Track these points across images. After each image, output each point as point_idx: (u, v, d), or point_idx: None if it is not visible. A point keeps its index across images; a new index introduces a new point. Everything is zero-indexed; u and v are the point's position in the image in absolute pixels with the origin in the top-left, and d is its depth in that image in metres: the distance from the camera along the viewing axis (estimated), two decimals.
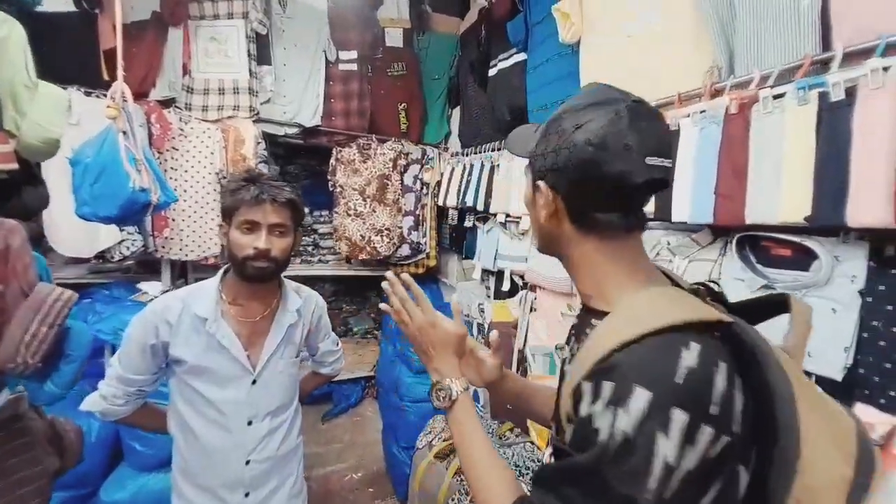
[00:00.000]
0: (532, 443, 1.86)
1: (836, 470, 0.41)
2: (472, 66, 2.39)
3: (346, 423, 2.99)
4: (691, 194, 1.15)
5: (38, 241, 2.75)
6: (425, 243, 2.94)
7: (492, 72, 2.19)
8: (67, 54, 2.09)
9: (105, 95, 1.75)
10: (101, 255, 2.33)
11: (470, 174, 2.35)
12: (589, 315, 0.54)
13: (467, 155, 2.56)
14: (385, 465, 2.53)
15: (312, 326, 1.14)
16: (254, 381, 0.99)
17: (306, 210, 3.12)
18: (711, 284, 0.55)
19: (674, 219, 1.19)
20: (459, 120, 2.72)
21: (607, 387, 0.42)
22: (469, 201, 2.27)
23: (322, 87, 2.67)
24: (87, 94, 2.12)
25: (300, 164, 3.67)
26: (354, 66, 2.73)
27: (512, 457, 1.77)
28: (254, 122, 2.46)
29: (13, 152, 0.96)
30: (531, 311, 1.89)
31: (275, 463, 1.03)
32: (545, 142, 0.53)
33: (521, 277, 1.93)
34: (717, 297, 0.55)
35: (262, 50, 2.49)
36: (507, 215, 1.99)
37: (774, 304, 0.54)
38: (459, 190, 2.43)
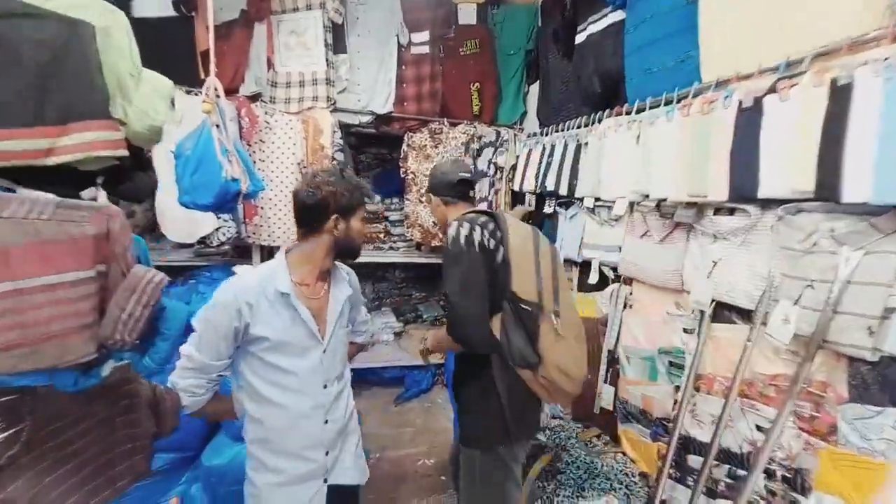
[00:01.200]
0: (624, 454, 1.67)
1: (524, 240, 1.17)
2: (556, 35, 2.16)
3: (418, 408, 3.01)
4: (874, 166, 0.87)
5: (153, 228, 3.14)
6: None
7: (579, 38, 1.95)
8: (168, 56, 2.25)
9: (204, 94, 1.87)
10: (203, 241, 2.57)
11: (551, 156, 2.14)
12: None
13: (546, 135, 2.35)
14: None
15: (354, 291, 1.25)
16: (324, 350, 1.09)
17: (378, 198, 3.15)
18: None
19: (844, 199, 0.92)
20: (538, 97, 2.50)
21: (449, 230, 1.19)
22: (550, 185, 2.08)
23: (394, 73, 2.62)
24: (188, 92, 2.30)
25: (371, 153, 3.73)
26: (426, 49, 2.64)
27: (601, 468, 1.60)
28: (330, 111, 2.50)
29: (124, 139, 1.00)
30: (625, 307, 1.67)
31: (344, 423, 1.17)
32: (432, 178, 1.38)
33: (614, 270, 1.71)
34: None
35: (337, 39, 2.51)
36: (597, 199, 1.78)
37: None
38: (538, 173, 2.24)
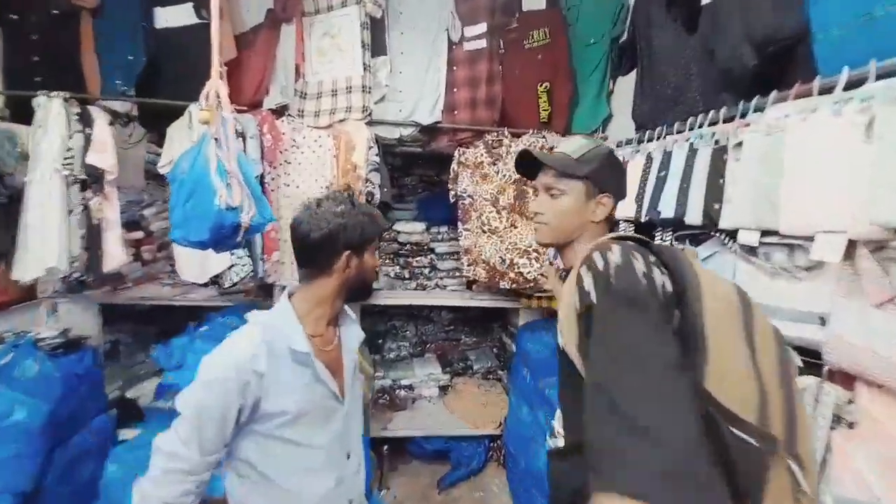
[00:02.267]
0: None
1: (723, 297, 0.62)
2: (670, 2, 1.54)
3: (467, 496, 2.34)
4: None
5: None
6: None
7: None
8: (189, 68, 1.97)
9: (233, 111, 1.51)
10: (215, 281, 2.20)
11: (664, 168, 1.49)
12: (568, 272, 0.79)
13: (649, 140, 1.70)
14: None
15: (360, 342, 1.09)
16: (346, 413, 0.94)
17: (422, 226, 2.63)
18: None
19: None
20: (635, 93, 1.87)
21: (595, 255, 0.65)
22: (666, 211, 1.42)
23: (443, 75, 2.15)
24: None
25: (417, 175, 3.27)
26: (483, 43, 2.14)
27: None
28: (366, 124, 2.06)
29: None
30: (838, 423, 0.95)
31: (363, 482, 1.00)
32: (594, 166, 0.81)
33: (807, 355, 1.01)
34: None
35: (376, 39, 2.09)
36: (766, 233, 1.09)
37: None
38: (641, 193, 1.59)
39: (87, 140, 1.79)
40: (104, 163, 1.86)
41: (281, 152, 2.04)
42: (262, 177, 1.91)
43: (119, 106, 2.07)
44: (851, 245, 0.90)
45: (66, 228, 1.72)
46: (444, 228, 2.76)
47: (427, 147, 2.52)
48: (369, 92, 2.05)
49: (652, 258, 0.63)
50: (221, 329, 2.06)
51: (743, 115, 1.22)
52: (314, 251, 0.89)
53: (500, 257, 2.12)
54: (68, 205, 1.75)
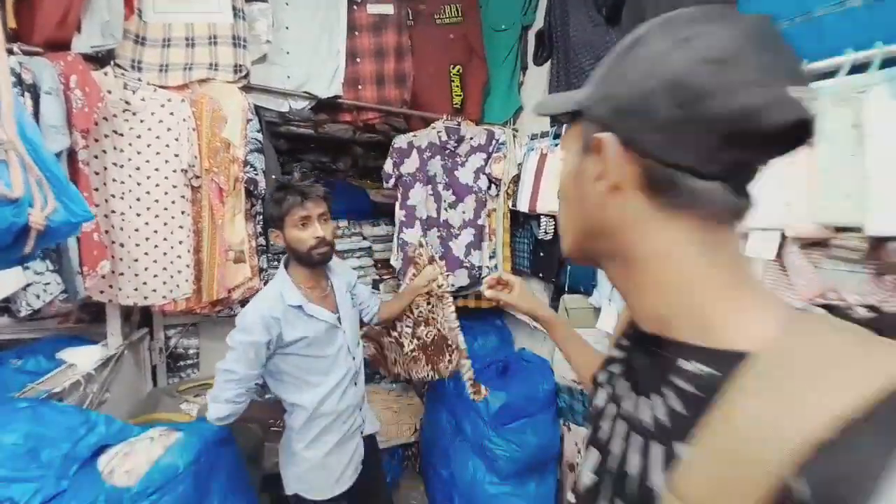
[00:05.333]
0: None
1: None
2: None
3: None
4: None
5: None
6: (493, 267, 2.05)
7: None
8: None
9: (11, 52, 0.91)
10: (4, 309, 1.47)
11: None
12: (651, 345, 0.37)
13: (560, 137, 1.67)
14: None
15: (353, 284, 1.44)
16: (344, 331, 1.30)
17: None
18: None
19: None
20: (550, 84, 1.83)
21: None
22: None
23: (343, 39, 1.79)
24: None
25: (309, 162, 2.80)
26: (390, 9, 1.85)
27: None
28: (241, 89, 1.58)
29: None
30: None
31: (363, 383, 1.39)
32: (614, 75, 0.35)
33: None
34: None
35: None
36: None
37: None
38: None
39: None
40: None
41: (106, 119, 1.43)
42: (70, 152, 1.31)
43: None
44: (784, 241, 0.94)
45: None
46: (343, 222, 2.41)
47: (320, 129, 2.13)
48: (244, 47, 1.57)
49: None
50: (15, 379, 1.37)
51: None
52: None
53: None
54: None
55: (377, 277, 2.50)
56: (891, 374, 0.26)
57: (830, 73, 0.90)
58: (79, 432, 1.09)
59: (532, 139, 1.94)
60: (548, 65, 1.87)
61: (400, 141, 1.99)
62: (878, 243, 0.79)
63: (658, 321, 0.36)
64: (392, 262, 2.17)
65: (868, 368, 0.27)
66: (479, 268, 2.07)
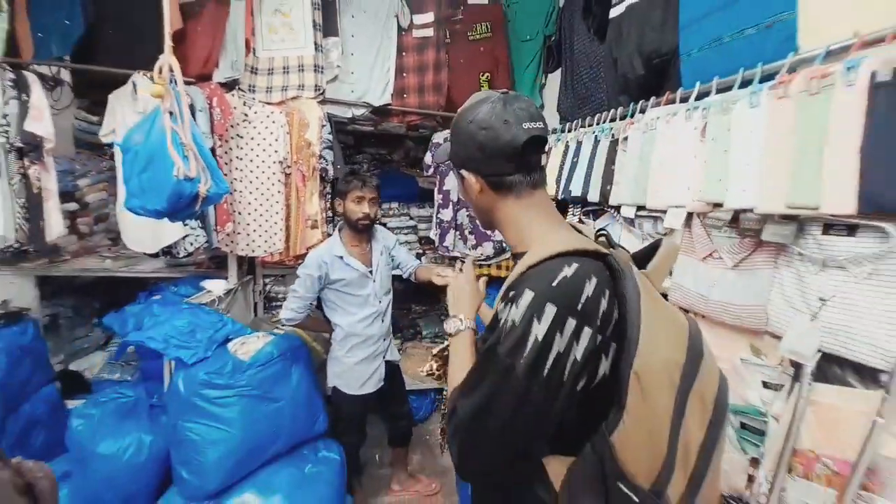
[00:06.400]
0: None
1: (669, 352, 0.56)
2: (587, 7, 1.81)
3: (416, 438, 2.64)
4: None
5: (117, 239, 2.81)
6: None
7: (615, 11, 1.61)
8: (131, 35, 1.95)
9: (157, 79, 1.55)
10: (168, 251, 2.23)
11: (577, 155, 1.79)
12: (516, 258, 0.70)
13: (569, 130, 2.00)
14: (458, 501, 2.13)
15: (391, 247, 1.94)
16: (374, 281, 1.80)
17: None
18: (604, 234, 0.72)
19: None
20: (560, 88, 2.15)
21: (510, 294, 0.59)
22: (575, 190, 1.72)
23: (393, 60, 2.29)
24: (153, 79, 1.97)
25: (370, 154, 3.39)
26: (430, 32, 2.30)
27: None
28: (319, 102, 2.16)
29: None
30: None
31: (389, 322, 1.91)
32: (455, 144, 0.74)
33: (664, 297, 1.34)
34: (611, 243, 0.69)
35: (327, 19, 2.17)
36: (640, 208, 1.42)
37: (654, 246, 0.72)
38: (559, 176, 1.89)
39: (24, 107, 1.75)
40: (42, 130, 1.82)
41: (231, 126, 2.09)
42: (212, 150, 1.97)
43: (45, 69, 1.99)
44: (690, 216, 1.24)
45: (10, 198, 1.70)
46: (395, 204, 2.94)
47: (378, 127, 2.67)
48: (322, 72, 2.15)
49: (606, 287, 0.57)
50: (174, 298, 2.12)
51: (631, 115, 1.53)
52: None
53: None
54: (7, 174, 1.72)
55: (420, 252, 3.01)
56: (552, 252, 0.59)
57: (729, 88, 1.17)
58: (217, 326, 1.75)
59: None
60: (560, 71, 2.19)
61: (437, 137, 2.44)
62: (736, 214, 1.08)
63: (513, 245, 0.73)
64: (431, 235, 2.66)
65: (548, 248, 0.60)
66: (502, 241, 2.47)
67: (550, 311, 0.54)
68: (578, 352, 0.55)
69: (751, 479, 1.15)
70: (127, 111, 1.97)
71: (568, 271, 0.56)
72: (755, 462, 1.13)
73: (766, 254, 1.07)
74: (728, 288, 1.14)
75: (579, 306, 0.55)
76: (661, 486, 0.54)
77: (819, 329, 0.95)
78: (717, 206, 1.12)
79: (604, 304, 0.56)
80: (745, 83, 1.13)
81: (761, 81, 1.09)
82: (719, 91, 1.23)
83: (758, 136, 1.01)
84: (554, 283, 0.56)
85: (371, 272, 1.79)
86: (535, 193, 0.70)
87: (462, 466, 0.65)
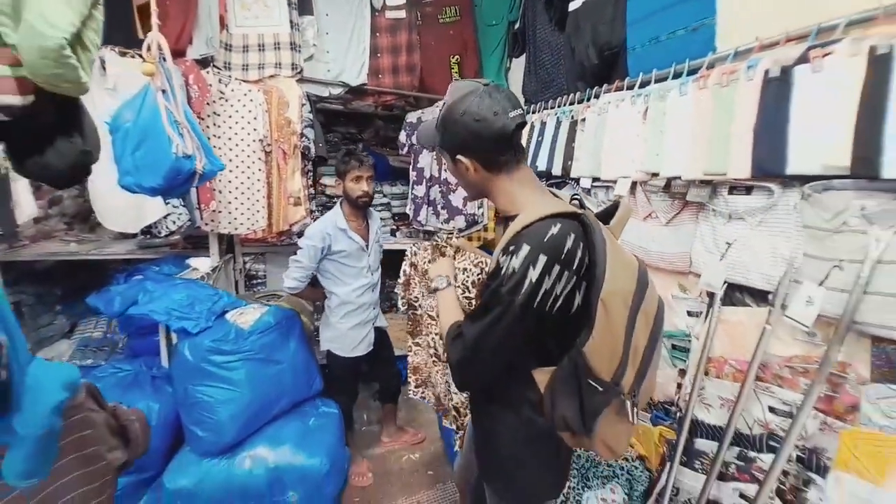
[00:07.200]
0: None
1: (625, 283, 0.76)
2: (549, 1, 2.01)
3: (399, 400, 2.87)
4: None
5: (86, 216, 2.71)
6: (482, 214, 2.67)
7: (574, 5, 1.83)
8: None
9: (141, 56, 1.56)
10: (148, 230, 2.23)
11: (541, 134, 2.03)
12: (508, 219, 0.85)
13: (534, 112, 2.23)
14: (443, 446, 2.41)
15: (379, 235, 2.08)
16: (368, 255, 1.96)
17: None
18: (577, 199, 0.89)
19: (886, 174, 0.87)
20: (524, 72, 2.37)
21: (511, 248, 0.75)
22: (541, 165, 1.97)
23: (367, 40, 2.37)
24: (122, 54, 1.94)
25: (339, 132, 3.44)
26: (402, 14, 2.40)
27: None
28: (297, 81, 2.22)
29: (14, 78, 0.62)
30: None
31: (378, 293, 2.08)
32: (448, 133, 0.84)
33: None
34: (582, 206, 0.85)
35: None
36: (595, 179, 1.69)
37: (615, 207, 0.90)
38: (526, 153, 2.13)
39: None
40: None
41: (208, 104, 2.10)
42: None
43: None
44: (634, 185, 1.52)
45: None
46: None
47: (348, 105, 2.75)
48: (298, 50, 2.20)
49: (580, 240, 0.75)
50: (158, 277, 2.15)
51: (588, 100, 1.78)
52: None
53: (447, 388, 1.60)
54: None
55: (394, 227, 3.17)
56: (541, 214, 0.75)
57: (665, 78, 1.45)
58: (214, 298, 1.83)
59: None
60: (524, 56, 2.40)
61: (411, 116, 2.58)
62: (668, 182, 1.37)
63: (505, 210, 0.87)
64: (406, 211, 2.82)
65: (538, 211, 0.76)
66: (473, 214, 2.69)
67: (542, 259, 0.72)
68: (559, 289, 0.74)
69: (679, 387, 1.50)
70: (94, 89, 1.92)
71: (554, 230, 0.74)
72: (682, 373, 1.48)
73: (690, 212, 1.38)
74: (663, 241, 1.45)
75: (562, 256, 0.73)
76: (618, 379, 0.75)
77: (726, 266, 1.27)
78: (655, 175, 1.41)
79: (579, 253, 0.75)
80: (677, 75, 1.41)
81: (688, 75, 1.36)
82: (657, 81, 1.50)
83: (685, 119, 1.29)
84: (545, 239, 0.73)
85: (367, 246, 1.95)
86: (520, 167, 0.84)
87: (464, 376, 0.85)
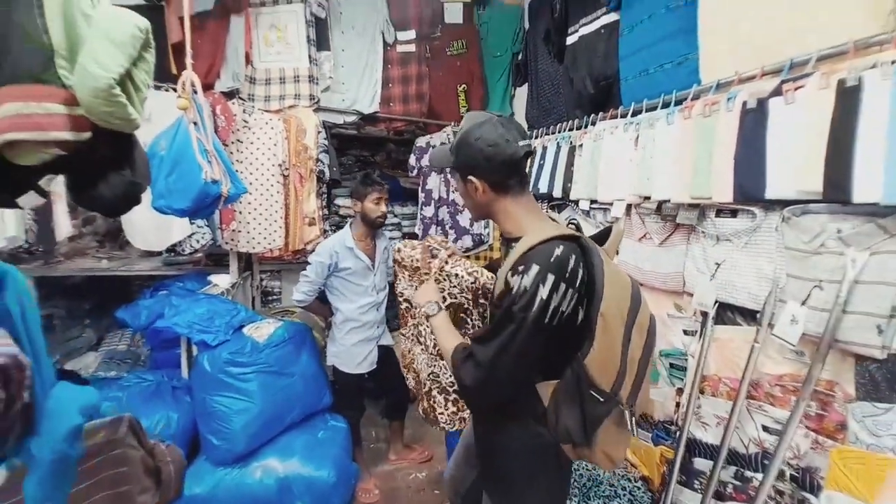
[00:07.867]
0: (625, 459, 1.65)
1: (621, 299, 0.83)
2: (547, 36, 2.15)
3: (407, 418, 2.91)
4: (884, 168, 0.88)
5: (116, 235, 2.90)
6: (488, 234, 2.76)
7: (570, 40, 1.95)
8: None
9: (174, 89, 1.73)
10: (173, 249, 2.38)
11: (542, 158, 2.13)
12: (510, 241, 0.93)
13: (536, 137, 2.34)
14: None
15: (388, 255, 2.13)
16: (375, 275, 2.04)
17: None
18: (574, 223, 1.24)
19: (856, 199, 0.93)
20: (527, 100, 2.49)
21: (520, 268, 0.80)
22: (543, 187, 2.06)
23: (380, 72, 2.55)
24: (157, 87, 2.14)
25: (353, 156, 3.62)
26: (412, 48, 2.58)
27: (604, 474, 1.57)
28: (314, 111, 2.39)
29: (70, 116, 0.66)
30: None
31: (383, 311, 2.13)
32: (462, 155, 0.91)
33: None
34: (579, 229, 1.05)
35: (320, 35, 2.40)
36: (593, 202, 1.76)
37: (608, 230, 1.00)
38: (529, 176, 2.22)
39: None
40: None
41: (233, 132, 2.28)
42: None
43: None
44: (629, 207, 1.59)
45: None
46: None
47: (361, 130, 2.91)
48: (316, 83, 2.38)
49: (581, 264, 0.81)
50: (182, 292, 2.28)
51: (585, 127, 1.88)
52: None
53: (428, 374, 1.53)
54: None
55: None
56: (545, 237, 0.82)
57: (654, 108, 1.53)
58: (232, 313, 1.95)
59: None
60: (527, 85, 2.53)
61: (420, 141, 2.72)
62: (660, 204, 1.44)
63: (508, 231, 0.94)
64: (415, 231, 2.94)
65: (542, 234, 0.83)
66: (479, 234, 2.78)
67: (550, 278, 0.77)
68: (565, 305, 0.80)
69: (678, 405, 1.52)
70: None
71: (559, 251, 0.80)
72: (680, 392, 1.50)
73: (681, 233, 1.44)
74: (657, 260, 1.50)
75: (567, 275, 0.79)
76: (617, 389, 0.81)
77: (716, 285, 1.32)
78: (646, 198, 1.48)
79: (580, 272, 0.81)
80: (666, 105, 1.49)
81: (676, 105, 1.45)
82: (648, 110, 1.59)
83: (672, 146, 1.37)
84: (551, 259, 0.79)
85: (373, 265, 2.02)
86: (524, 192, 0.93)
87: (482, 397, 0.91)
